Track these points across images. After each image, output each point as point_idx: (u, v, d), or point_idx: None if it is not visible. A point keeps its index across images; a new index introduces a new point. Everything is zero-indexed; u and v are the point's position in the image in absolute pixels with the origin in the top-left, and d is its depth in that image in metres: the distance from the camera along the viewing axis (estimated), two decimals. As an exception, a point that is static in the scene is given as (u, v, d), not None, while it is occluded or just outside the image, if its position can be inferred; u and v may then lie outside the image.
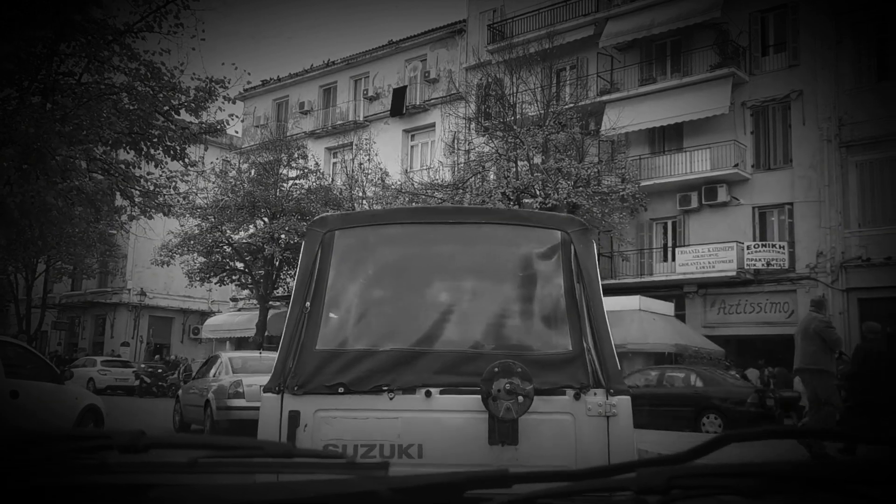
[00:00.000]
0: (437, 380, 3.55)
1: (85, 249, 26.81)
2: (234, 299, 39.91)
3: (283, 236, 31.40)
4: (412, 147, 34.32)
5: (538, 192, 23.49)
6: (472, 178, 25.14)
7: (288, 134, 35.76)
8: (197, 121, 12.71)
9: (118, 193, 13.70)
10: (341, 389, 3.52)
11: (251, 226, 31.94)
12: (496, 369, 3.34)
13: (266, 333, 34.91)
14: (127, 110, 12.41)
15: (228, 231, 31.88)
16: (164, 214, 14.74)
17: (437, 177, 26.65)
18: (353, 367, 3.56)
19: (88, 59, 11.70)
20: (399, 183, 27.45)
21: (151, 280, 44.51)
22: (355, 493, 0.96)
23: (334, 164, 36.40)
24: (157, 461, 1.03)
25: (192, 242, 31.63)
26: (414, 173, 29.84)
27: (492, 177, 25.36)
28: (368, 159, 28.85)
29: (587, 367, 3.66)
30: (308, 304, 3.71)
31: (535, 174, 23.55)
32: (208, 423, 13.31)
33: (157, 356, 36.15)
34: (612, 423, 3.51)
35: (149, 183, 13.79)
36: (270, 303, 34.46)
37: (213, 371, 14.55)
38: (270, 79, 40.18)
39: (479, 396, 3.35)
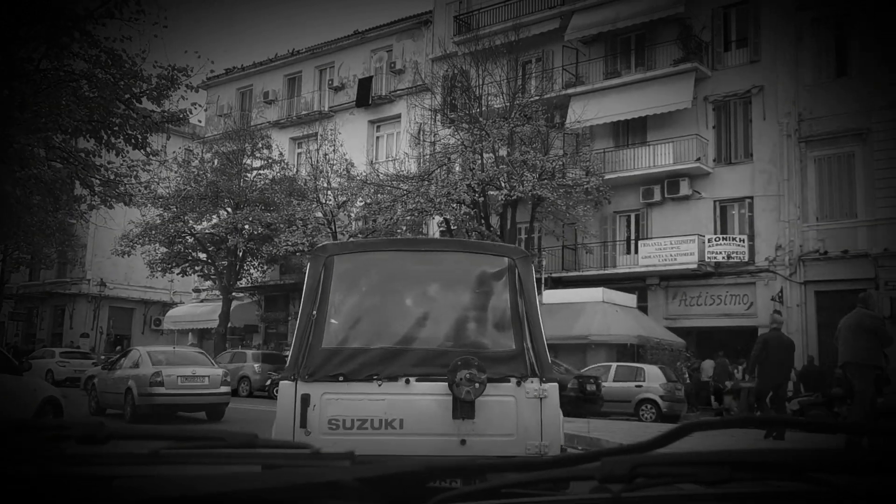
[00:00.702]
0: (414, 371, 4.70)
1: (43, 239, 26.29)
2: (196, 290, 39.49)
3: (246, 227, 31.12)
4: (378, 138, 34.19)
5: (503, 185, 23.58)
6: (438, 170, 25.15)
7: (252, 124, 35.38)
8: (159, 109, 12.50)
9: (77, 182, 13.44)
10: (342, 378, 4.66)
11: (214, 216, 31.61)
12: (458, 362, 4.47)
13: (229, 324, 34.63)
14: (87, 97, 12.19)
15: (191, 221, 31.52)
16: (126, 204, 14.53)
17: (403, 168, 26.61)
18: (351, 361, 4.71)
19: (48, 45, 11.46)
20: (364, 174, 27.35)
21: (112, 270, 43.82)
22: (320, 483, 0.95)
23: (299, 154, 36.13)
24: (117, 452, 1.02)
25: (153, 232, 31.22)
26: (379, 164, 29.76)
27: (457, 169, 25.41)
28: (333, 150, 28.68)
29: (526, 361, 4.82)
30: (314, 312, 4.81)
31: (501, 166, 23.64)
32: (129, 408, 14.92)
33: (117, 347, 35.59)
34: (544, 403, 4.71)
35: (109, 172, 13.56)
36: (234, 294, 34.17)
37: (129, 363, 15.93)
38: (234, 67, 39.69)
39: (446, 383, 4.50)
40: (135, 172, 14.14)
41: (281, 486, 0.94)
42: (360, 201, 27.29)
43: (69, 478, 1.00)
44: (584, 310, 22.39)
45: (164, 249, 32.29)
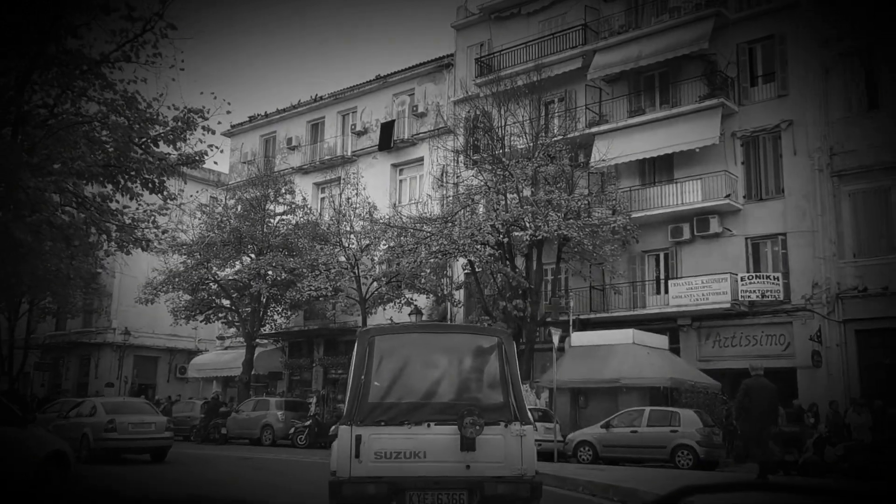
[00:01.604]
0: (433, 417, 6.55)
1: (61, 287, 26.23)
2: (220, 338, 39.22)
3: (269, 272, 30.91)
4: (400, 181, 34.01)
5: (528, 225, 23.13)
6: (462, 212, 24.78)
7: (276, 170, 35.40)
8: (175, 152, 12.27)
9: (93, 228, 13.19)
10: (383, 423, 6.53)
11: (237, 262, 31.44)
12: (465, 412, 6.37)
13: (253, 372, 34.25)
14: (101, 141, 11.97)
15: (214, 268, 31.36)
16: (143, 249, 14.25)
17: (426, 210, 26.28)
18: (389, 411, 6.59)
19: (61, 90, 11.30)
20: (387, 217, 27.05)
21: (136, 319, 43.74)
22: None
23: (322, 199, 36.04)
24: None
25: (176, 280, 31.08)
26: (402, 207, 29.47)
27: (481, 210, 25.05)
28: (356, 193, 28.48)
29: (511, 410, 6.66)
30: (363, 377, 6.70)
31: (525, 207, 23.22)
32: (85, 451, 17.21)
33: (141, 396, 35.25)
34: (524, 440, 6.55)
35: (125, 217, 13.32)
36: (257, 340, 33.85)
37: (85, 411, 18.73)
38: (257, 114, 39.97)
39: (456, 426, 6.35)
40: (152, 217, 13.87)
41: None
42: (384, 244, 26.94)
43: None
44: (615, 352, 21.71)
45: (187, 297, 32.14)
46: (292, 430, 26.13)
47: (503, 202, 23.95)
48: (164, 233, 14.26)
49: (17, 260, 13.60)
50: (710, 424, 18.58)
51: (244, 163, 38.82)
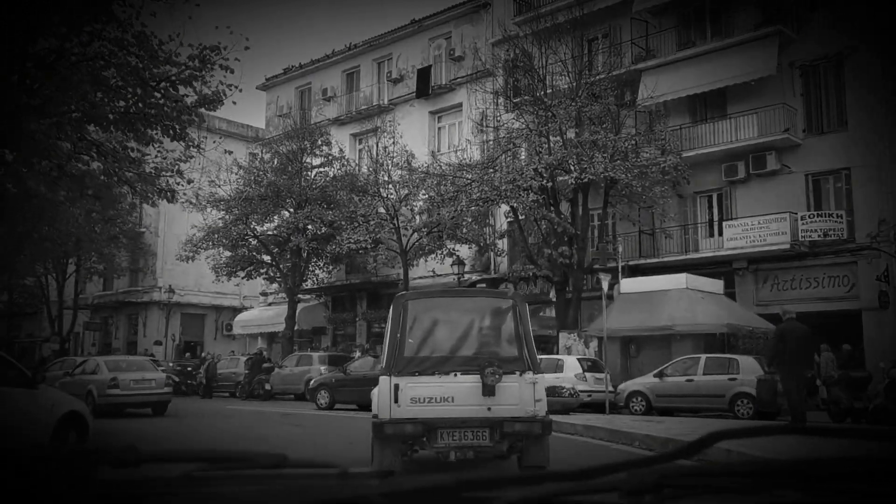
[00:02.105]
0: (459, 368, 7.49)
1: (89, 243, 26.23)
2: (263, 294, 39.03)
3: (309, 227, 30.38)
4: (439, 129, 32.99)
5: (573, 168, 22.03)
6: (503, 156, 23.75)
7: (312, 122, 34.64)
8: (193, 94, 11.49)
9: (114, 178, 12.56)
10: (416, 373, 7.48)
11: (276, 217, 30.94)
12: (486, 363, 7.34)
13: (296, 327, 33.98)
14: (111, 84, 11.22)
15: (254, 223, 30.90)
16: (168, 201, 13.63)
17: (466, 156, 25.30)
18: (421, 364, 7.53)
19: (69, 29, 10.55)
20: (426, 165, 26.11)
21: (182, 277, 43.81)
22: (346, 499, 0.99)
23: (360, 150, 35.22)
24: (151, 476, 1.05)
25: (216, 236, 30.72)
26: (441, 155, 28.48)
27: (523, 154, 24.01)
28: (393, 142, 27.59)
29: (525, 361, 7.57)
30: (398, 335, 7.59)
31: (569, 149, 22.09)
32: (91, 405, 17.16)
33: (187, 354, 35.37)
34: (536, 386, 7.50)
35: (146, 165, 12.66)
36: (300, 296, 33.50)
37: (88, 370, 20.02)
38: (291, 66, 39.10)
39: (479, 375, 7.31)
40: (176, 167, 13.20)
41: (306, 501, 0.98)
42: (423, 194, 26.09)
43: (103, 501, 1.04)
44: (667, 298, 20.69)
45: (228, 253, 31.82)
46: (336, 385, 25.71)
47: (546, 145, 22.85)
48: (189, 182, 13.57)
49: (35, 214, 13.10)
50: (771, 371, 17.53)
51: (280, 116, 38.08)
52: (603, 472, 0.96)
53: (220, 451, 1.19)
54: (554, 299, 24.31)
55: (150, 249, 44.86)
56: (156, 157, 12.57)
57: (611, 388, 19.91)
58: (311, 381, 23.54)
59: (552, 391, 15.48)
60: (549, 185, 22.47)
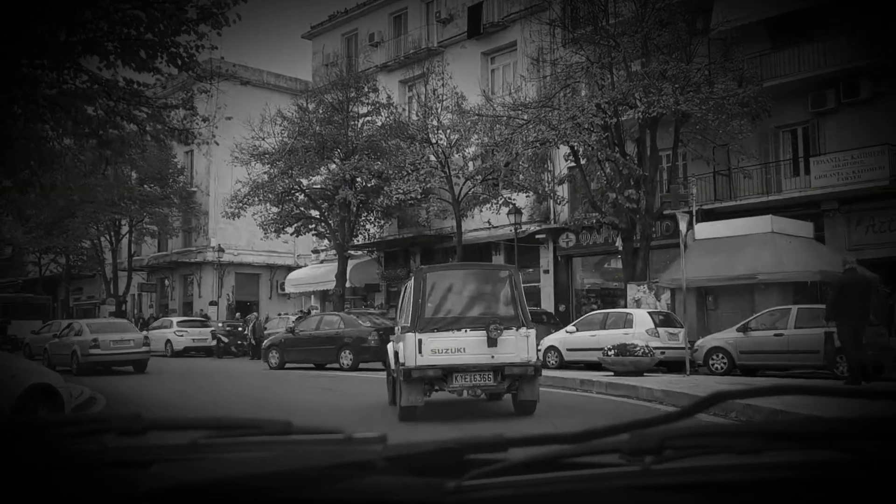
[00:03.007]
0: (469, 326, 9.51)
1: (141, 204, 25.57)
2: (315, 251, 37.91)
3: (358, 179, 28.84)
4: (492, 71, 30.90)
5: (639, 102, 19.83)
6: (561, 93, 21.64)
7: (359, 70, 32.87)
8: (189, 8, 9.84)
9: (119, 118, 11.07)
10: (435, 330, 9.45)
11: (323, 169, 29.46)
12: (489, 321, 9.46)
13: (349, 284, 32.72)
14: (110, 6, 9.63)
15: (300, 177, 29.49)
16: (183, 142, 12.14)
17: (521, 95, 23.23)
18: (438, 323, 9.50)
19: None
20: (478, 106, 24.14)
21: (234, 236, 43.05)
22: (350, 463, 1.01)
23: (409, 98, 33.36)
24: (157, 444, 1.06)
25: (261, 192, 29.43)
26: (495, 97, 26.44)
27: (583, 92, 21.89)
28: (442, 84, 25.68)
29: (520, 319, 9.66)
30: (420, 301, 9.53)
31: (636, 81, 19.88)
32: (75, 365, 20.59)
33: (237, 314, 34.51)
34: (528, 339, 9.66)
35: (154, 100, 11.13)
36: (351, 252, 32.16)
37: (73, 332, 21.87)
38: (337, 12, 37.31)
39: (485, 331, 9.38)
40: (189, 104, 11.66)
41: (311, 466, 0.99)
42: (475, 139, 24.20)
43: (109, 465, 1.05)
44: (750, 243, 18.54)
45: (275, 209, 30.56)
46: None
47: (609, 79, 20.68)
48: (204, 121, 12.02)
49: (48, 166, 11.74)
50: (873, 323, 15.35)
51: (326, 65, 36.41)
52: (605, 433, 0.98)
53: (227, 419, 1.19)
54: (620, 248, 22.30)
55: (202, 209, 44.11)
56: (164, 90, 11.02)
57: (687, 345, 18.04)
58: (265, 342, 23.91)
59: (622, 349, 13.66)
60: (614, 122, 20.35)
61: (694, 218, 19.92)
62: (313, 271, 36.33)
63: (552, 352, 19.59)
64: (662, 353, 16.60)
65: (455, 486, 0.94)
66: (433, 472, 0.98)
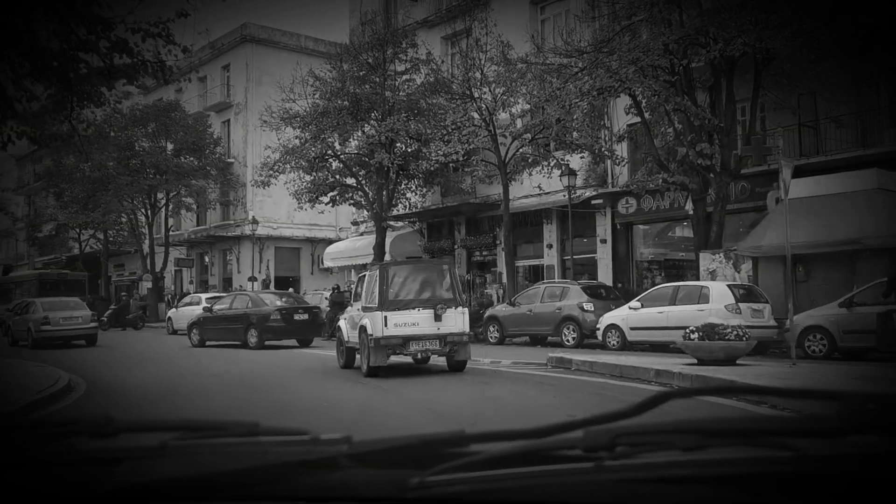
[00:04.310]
0: (421, 305, 12.65)
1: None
2: (354, 223, 35.77)
3: (398, 144, 26.49)
4: (542, 21, 28.05)
5: (711, 40, 16.95)
6: (621, 34, 18.83)
7: (399, 27, 30.34)
8: None
9: (69, 46, 8.86)
10: (396, 309, 12.52)
11: (358, 132, 27.14)
12: (436, 302, 12.67)
13: (388, 257, 30.47)
14: None
15: (333, 140, 27.23)
16: (160, 80, 9.89)
17: (575, 39, 20.46)
18: (398, 303, 12.62)
19: None
20: (526, 55, 21.43)
21: (273, 209, 41.27)
22: (315, 461, 1.05)
23: (452, 55, 30.74)
24: (127, 446, 1.08)
25: (293, 157, 27.24)
26: (545, 44, 23.68)
27: (644, 36, 19.05)
28: (486, 32, 23.05)
29: (457, 301, 12.87)
30: (385, 287, 12.58)
31: (710, 17, 16.98)
32: (30, 340, 22.86)
33: (269, 288, 32.58)
34: (463, 316, 12.89)
35: (114, 21, 8.88)
36: (390, 223, 29.89)
37: (30, 311, 24.01)
38: (375, -35, 34.71)
39: (433, 310, 12.59)
40: (163, 31, 9.35)
41: (276, 464, 1.03)
42: (524, 90, 21.55)
43: (79, 465, 1.09)
44: (851, 203, 15.65)
45: (308, 177, 28.40)
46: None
47: (676, 15, 17.84)
48: (185, 52, 9.73)
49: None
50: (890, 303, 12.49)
51: (364, 23, 33.96)
52: (560, 429, 1.03)
53: (195, 421, 1.20)
54: (691, 212, 19.51)
55: (239, 180, 42.34)
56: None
57: (772, 323, 15.33)
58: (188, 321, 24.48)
59: (709, 331, 10.98)
60: (683, 64, 17.53)
61: (782, 175, 17.06)
62: (352, 244, 34.20)
63: (613, 331, 17.05)
64: (744, 333, 13.93)
65: (418, 481, 0.97)
66: (397, 468, 1.01)
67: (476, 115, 23.28)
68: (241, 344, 20.92)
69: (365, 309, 12.84)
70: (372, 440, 1.05)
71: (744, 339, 10.83)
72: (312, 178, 28.17)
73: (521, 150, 23.43)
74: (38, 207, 51.79)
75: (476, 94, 22.88)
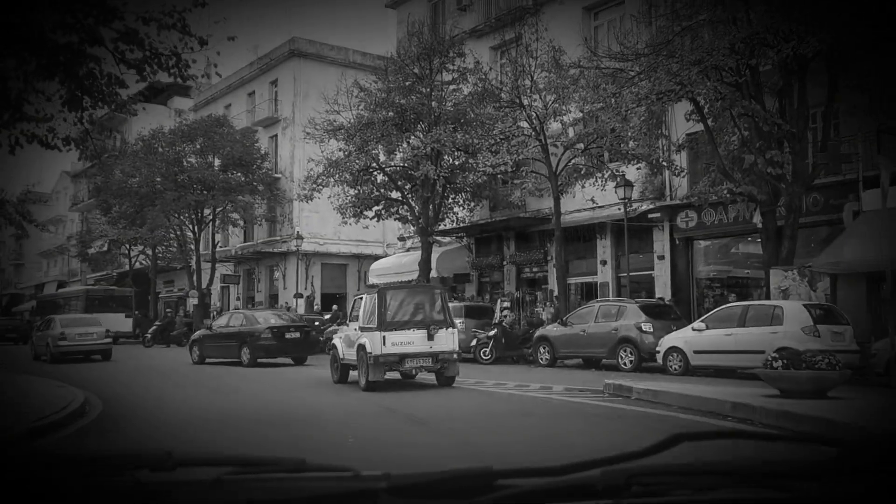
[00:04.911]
0: (415, 325, 13.83)
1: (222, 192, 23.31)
2: (401, 238, 34.85)
3: (445, 157, 25.52)
4: (596, 28, 26.87)
5: (782, 39, 15.54)
6: (681, 34, 17.54)
7: (447, 37, 29.47)
8: None
9: (76, 35, 8.06)
10: (393, 329, 13.69)
11: (404, 143, 26.25)
12: (429, 323, 13.88)
13: (436, 274, 29.48)
14: None
15: (377, 152, 26.38)
16: (178, 77, 9.03)
17: (630, 40, 19.21)
18: (395, 324, 13.74)
19: None
20: (579, 59, 20.26)
21: (320, 225, 40.65)
22: (357, 492, 1.14)
23: (501, 65, 29.72)
24: (186, 479, 1.16)
25: (336, 170, 26.44)
26: (599, 49, 22.47)
27: (707, 37, 17.73)
28: (536, 38, 21.96)
29: (448, 322, 14.19)
30: (383, 309, 13.69)
31: (780, 14, 15.61)
32: (49, 354, 24.26)
33: (315, 306, 31.82)
34: (454, 336, 14.15)
35: (121, 8, 8.05)
36: (436, 238, 28.88)
37: (49, 326, 25.32)
38: (423, -25, 34.02)
39: (426, 330, 13.79)
40: (179, 23, 8.50)
41: (321, 495, 1.13)
42: (576, 95, 20.37)
43: (142, 500, 1.17)
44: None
45: (353, 191, 27.58)
46: (474, 343, 20.94)
47: (743, 13, 16.50)
48: (202, 45, 8.87)
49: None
50: None
51: (412, 35, 33.23)
52: (579, 468, 1.08)
53: (249, 457, 1.26)
54: (759, 225, 18.02)
55: (286, 196, 41.84)
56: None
57: (854, 347, 13.82)
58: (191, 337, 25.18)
59: (794, 359, 9.53)
60: (751, 64, 16.15)
61: (861, 185, 15.61)
62: (398, 260, 33.27)
63: (674, 354, 15.68)
64: (825, 360, 12.45)
65: None
66: (431, 501, 1.11)
67: (525, 125, 22.16)
68: (237, 361, 21.32)
69: (363, 329, 14.04)
70: (408, 475, 1.12)
71: (836, 367, 9.40)
72: (357, 191, 27.35)
73: (572, 160, 22.20)
74: (90, 224, 52.14)
75: (526, 102, 21.74)
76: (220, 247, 44.61)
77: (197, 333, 24.44)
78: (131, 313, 41.17)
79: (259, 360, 20.80)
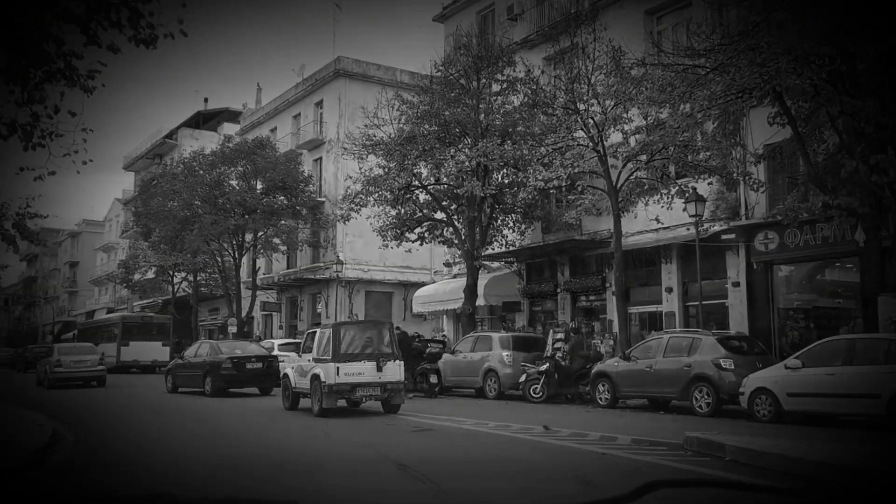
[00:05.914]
0: (366, 357, 15.39)
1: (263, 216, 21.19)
2: (447, 264, 32.65)
3: (493, 173, 23.43)
4: (659, 33, 24.55)
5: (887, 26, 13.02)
6: (760, 24, 15.09)
7: (497, 47, 27.48)
8: None
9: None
10: (346, 360, 15.21)
11: (448, 159, 24.19)
12: (378, 355, 15.48)
13: (482, 302, 27.22)
14: None
15: (419, 168, 24.38)
16: (146, 44, 7.09)
17: (700, 36, 16.78)
18: (348, 356, 15.27)
19: None
20: (643, 56, 17.93)
21: (364, 251, 38.80)
22: None
23: (555, 77, 27.55)
24: None
25: (376, 189, 24.49)
26: (668, 48, 20.11)
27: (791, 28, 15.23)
28: (593, 39, 19.74)
29: (395, 355, 15.72)
30: (337, 343, 15.32)
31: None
32: (46, 381, 26.49)
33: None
34: (400, 367, 15.75)
35: None
36: (485, 263, 26.64)
37: (49, 354, 27.99)
38: (471, -14, 32.18)
39: (376, 362, 15.39)
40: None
41: None
42: (640, 97, 18.01)
43: None
44: None
45: (394, 211, 25.60)
46: (522, 378, 18.53)
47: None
48: (179, 23, 6.92)
49: None
50: None
51: (459, 48, 31.33)
52: None
53: (247, 500, 1.94)
54: (861, 243, 15.28)
55: (330, 220, 40.13)
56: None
57: None
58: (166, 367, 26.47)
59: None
60: (850, 52, 13.63)
61: None
62: (443, 287, 31.08)
63: (762, 396, 13.06)
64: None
65: None
66: None
67: (582, 133, 19.86)
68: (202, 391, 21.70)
69: (317, 360, 15.52)
70: None
71: None
72: (398, 211, 25.35)
73: (634, 174, 19.79)
74: (135, 250, 51.26)
75: (582, 108, 19.45)
76: (264, 273, 43.10)
77: (171, 363, 25.20)
78: (170, 341, 39.78)
79: (229, 390, 21.17)
